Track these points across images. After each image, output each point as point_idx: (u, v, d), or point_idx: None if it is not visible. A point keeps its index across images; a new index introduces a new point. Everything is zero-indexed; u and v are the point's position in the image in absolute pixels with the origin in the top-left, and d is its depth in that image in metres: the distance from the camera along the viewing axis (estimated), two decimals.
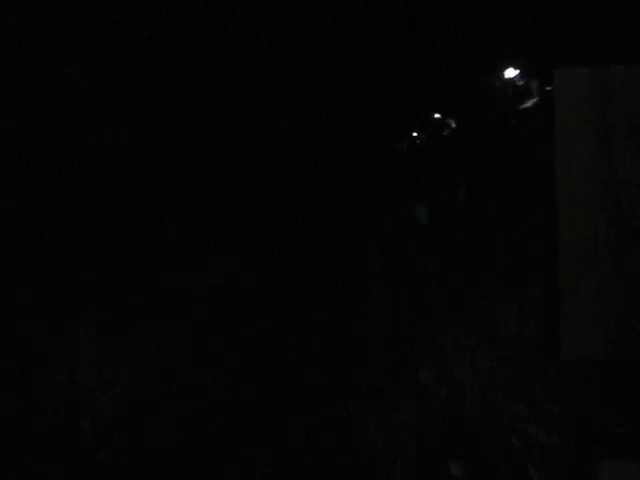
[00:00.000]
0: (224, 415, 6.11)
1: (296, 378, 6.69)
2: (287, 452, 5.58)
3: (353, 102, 12.48)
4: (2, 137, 12.15)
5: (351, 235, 12.68)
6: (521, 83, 7.62)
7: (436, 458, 5.49)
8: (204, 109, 13.06)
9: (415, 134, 12.74)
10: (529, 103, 7.63)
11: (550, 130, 6.20)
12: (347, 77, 12.27)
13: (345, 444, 5.68)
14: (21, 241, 11.82)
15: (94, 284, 10.54)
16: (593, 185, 6.12)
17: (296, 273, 11.57)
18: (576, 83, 6.11)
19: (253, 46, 12.20)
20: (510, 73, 8.16)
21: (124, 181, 12.77)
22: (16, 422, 5.96)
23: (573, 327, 6.10)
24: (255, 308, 9.64)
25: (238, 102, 12.88)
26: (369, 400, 6.14)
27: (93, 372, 7.10)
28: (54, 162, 12.74)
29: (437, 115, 11.64)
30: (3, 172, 12.12)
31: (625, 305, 6.07)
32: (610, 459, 4.88)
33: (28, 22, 11.29)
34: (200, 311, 9.57)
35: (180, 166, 13.25)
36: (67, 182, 12.71)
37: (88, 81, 12.23)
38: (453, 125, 11.45)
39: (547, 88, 6.15)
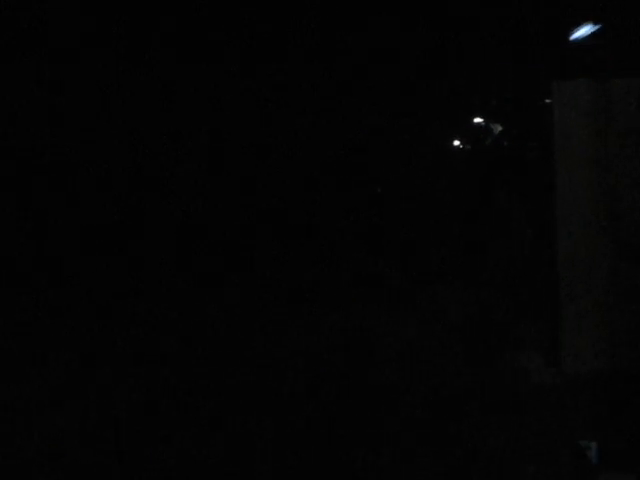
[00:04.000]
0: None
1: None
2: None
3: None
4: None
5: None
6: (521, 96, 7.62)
7: None
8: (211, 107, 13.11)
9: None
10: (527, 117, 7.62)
11: (549, 141, 6.18)
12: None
13: None
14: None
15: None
16: (592, 199, 6.08)
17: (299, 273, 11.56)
18: (574, 95, 6.09)
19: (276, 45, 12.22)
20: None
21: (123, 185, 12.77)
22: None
23: (574, 340, 6.05)
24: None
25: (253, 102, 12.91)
26: None
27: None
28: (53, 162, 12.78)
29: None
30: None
31: (625, 318, 6.02)
32: (608, 471, 4.79)
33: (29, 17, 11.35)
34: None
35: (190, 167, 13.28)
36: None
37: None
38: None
39: (547, 100, 6.13)
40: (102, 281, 11.38)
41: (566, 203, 6.14)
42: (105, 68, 13.12)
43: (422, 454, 5.07)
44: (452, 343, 7.61)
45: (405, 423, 5.64)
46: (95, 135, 13.58)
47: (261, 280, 12.01)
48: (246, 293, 10.95)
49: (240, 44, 13.07)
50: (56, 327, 9.16)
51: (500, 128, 9.47)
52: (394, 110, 12.59)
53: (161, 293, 11.12)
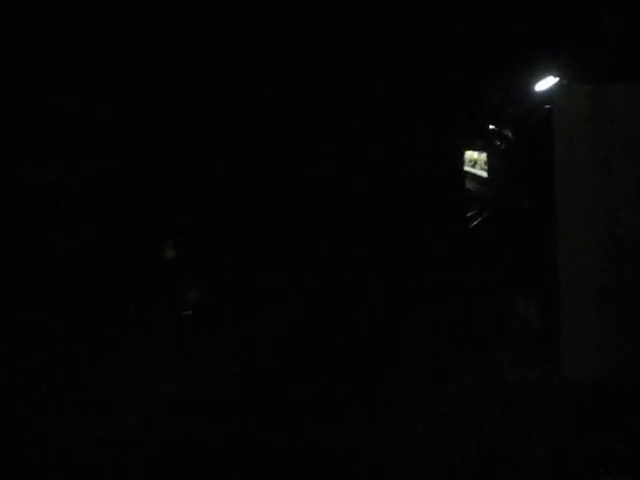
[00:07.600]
0: None
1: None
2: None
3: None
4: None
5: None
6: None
7: None
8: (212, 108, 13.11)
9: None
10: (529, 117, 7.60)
11: (550, 146, 6.19)
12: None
13: None
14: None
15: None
16: (592, 203, 6.07)
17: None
18: (575, 99, 6.09)
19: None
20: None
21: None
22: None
23: (573, 345, 6.06)
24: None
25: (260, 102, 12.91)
26: None
27: None
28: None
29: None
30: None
31: (624, 323, 6.01)
32: (609, 476, 4.84)
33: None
34: None
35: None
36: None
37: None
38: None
39: (547, 105, 6.15)
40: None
41: (566, 208, 6.14)
42: (104, 68, 13.14)
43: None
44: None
45: None
46: (97, 134, 13.62)
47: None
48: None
49: (240, 44, 13.04)
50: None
51: (509, 132, 9.46)
52: (394, 111, 12.59)
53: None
